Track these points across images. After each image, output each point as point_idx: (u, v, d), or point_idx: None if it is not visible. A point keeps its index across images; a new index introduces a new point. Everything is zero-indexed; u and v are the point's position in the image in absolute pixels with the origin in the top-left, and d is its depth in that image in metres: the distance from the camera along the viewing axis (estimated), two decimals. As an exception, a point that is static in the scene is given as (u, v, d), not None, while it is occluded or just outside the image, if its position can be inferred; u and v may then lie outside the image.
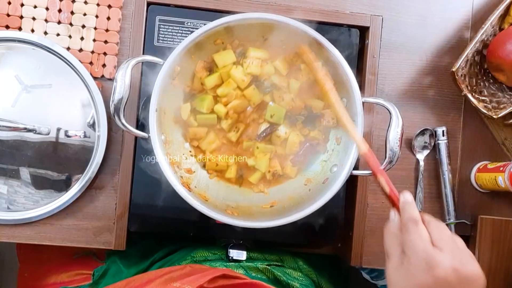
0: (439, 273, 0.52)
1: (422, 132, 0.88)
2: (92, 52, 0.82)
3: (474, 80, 0.88)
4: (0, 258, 1.47)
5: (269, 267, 0.80)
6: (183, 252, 0.85)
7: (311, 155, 0.81)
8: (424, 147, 0.89)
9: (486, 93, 0.88)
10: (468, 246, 0.87)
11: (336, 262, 0.97)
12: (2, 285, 1.47)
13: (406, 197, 0.60)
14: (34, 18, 0.81)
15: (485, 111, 0.84)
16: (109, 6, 0.83)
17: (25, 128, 0.77)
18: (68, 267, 0.91)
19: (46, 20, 0.82)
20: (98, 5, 0.82)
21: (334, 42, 0.75)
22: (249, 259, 0.82)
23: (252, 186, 0.80)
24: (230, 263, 0.80)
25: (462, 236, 0.88)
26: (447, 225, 0.87)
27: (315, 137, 0.81)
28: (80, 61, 0.80)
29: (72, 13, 0.82)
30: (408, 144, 0.88)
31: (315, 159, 0.81)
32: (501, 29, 0.86)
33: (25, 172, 0.79)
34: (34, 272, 0.94)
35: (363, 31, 0.87)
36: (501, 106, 0.86)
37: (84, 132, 0.80)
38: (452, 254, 0.54)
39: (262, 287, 0.66)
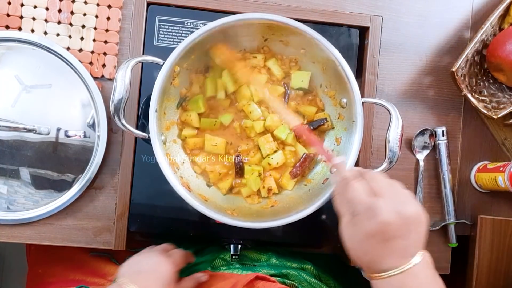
0: (383, 217, 0.55)
1: (422, 132, 0.88)
2: (92, 52, 0.83)
3: (474, 80, 0.88)
4: (0, 258, 1.47)
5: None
6: (204, 257, 0.85)
7: (310, 165, 0.81)
8: (424, 147, 0.89)
9: (486, 93, 0.88)
10: (468, 246, 0.88)
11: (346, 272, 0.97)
12: (2, 285, 1.47)
13: (337, 159, 0.65)
14: (34, 18, 0.81)
15: (485, 111, 0.84)
16: (109, 6, 0.83)
17: (25, 128, 0.77)
18: (85, 265, 0.90)
19: (46, 20, 0.82)
20: (98, 5, 0.82)
21: (334, 42, 0.75)
22: (265, 263, 0.83)
23: (246, 198, 0.80)
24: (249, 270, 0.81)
25: (462, 236, 0.88)
26: (447, 225, 0.87)
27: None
28: (80, 61, 0.80)
29: (72, 13, 0.82)
30: (408, 144, 0.88)
31: (315, 166, 0.81)
32: (501, 29, 0.86)
33: (25, 172, 0.79)
34: (48, 268, 0.93)
35: (363, 31, 0.87)
36: (501, 106, 0.86)
37: (84, 132, 0.80)
38: (392, 198, 0.57)
39: None
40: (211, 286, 0.75)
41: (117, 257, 0.90)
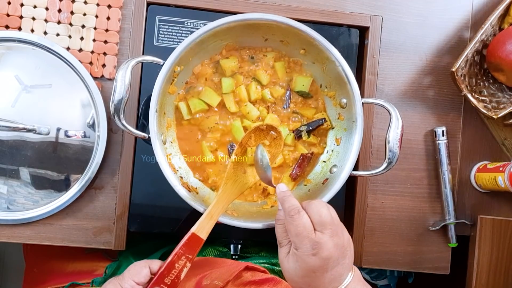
0: (325, 253, 0.59)
1: (422, 132, 0.89)
2: (92, 52, 0.82)
3: (474, 80, 0.88)
4: (0, 258, 1.47)
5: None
6: None
7: (310, 165, 0.81)
8: (424, 147, 0.89)
9: (486, 93, 0.88)
10: (468, 246, 0.88)
11: None
12: (2, 284, 1.47)
13: (281, 188, 0.66)
14: (34, 18, 0.81)
15: (485, 111, 0.84)
16: (109, 6, 0.83)
17: (25, 128, 0.77)
18: (78, 262, 0.90)
19: (46, 20, 0.82)
20: (98, 5, 0.82)
21: (333, 42, 0.75)
22: (257, 255, 0.83)
23: (246, 196, 0.80)
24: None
25: (462, 236, 0.88)
26: (447, 225, 0.87)
27: (311, 142, 0.80)
28: (80, 61, 0.80)
29: (72, 13, 0.82)
30: (411, 142, 0.88)
31: (314, 165, 0.81)
32: (501, 29, 0.86)
33: (25, 172, 0.79)
34: (43, 267, 0.93)
35: (363, 31, 0.87)
36: (501, 106, 0.86)
37: (84, 132, 0.80)
38: (331, 231, 0.60)
39: (283, 284, 0.67)
40: (200, 270, 0.74)
41: (109, 251, 0.90)
